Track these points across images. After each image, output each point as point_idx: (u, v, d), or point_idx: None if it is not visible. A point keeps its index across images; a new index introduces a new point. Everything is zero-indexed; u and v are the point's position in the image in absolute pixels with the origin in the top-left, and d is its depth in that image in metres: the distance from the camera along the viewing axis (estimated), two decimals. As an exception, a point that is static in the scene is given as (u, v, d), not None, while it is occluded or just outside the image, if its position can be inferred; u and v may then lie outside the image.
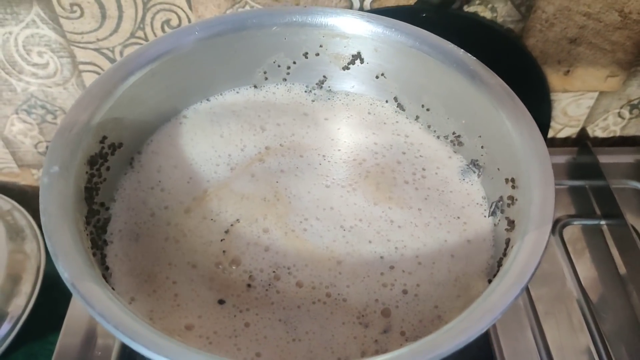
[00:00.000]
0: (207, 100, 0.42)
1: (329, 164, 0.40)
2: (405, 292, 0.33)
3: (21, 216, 0.63)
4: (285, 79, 0.43)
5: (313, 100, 0.43)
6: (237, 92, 0.43)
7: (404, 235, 0.36)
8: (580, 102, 0.61)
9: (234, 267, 0.35)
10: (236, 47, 0.39)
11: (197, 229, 0.36)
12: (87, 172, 0.32)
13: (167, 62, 0.37)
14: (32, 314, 0.54)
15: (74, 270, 0.24)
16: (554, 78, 0.58)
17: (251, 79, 0.42)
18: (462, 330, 0.23)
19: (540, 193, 0.28)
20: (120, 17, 0.50)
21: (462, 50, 0.36)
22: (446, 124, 0.39)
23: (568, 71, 0.57)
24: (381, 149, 0.40)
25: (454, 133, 0.39)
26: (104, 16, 0.49)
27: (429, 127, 0.41)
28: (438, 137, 0.41)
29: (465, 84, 0.36)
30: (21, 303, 0.55)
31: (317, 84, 0.43)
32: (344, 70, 0.42)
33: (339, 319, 0.32)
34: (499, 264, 0.30)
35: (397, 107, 0.42)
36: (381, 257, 0.35)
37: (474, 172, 0.38)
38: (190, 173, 0.38)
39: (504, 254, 0.30)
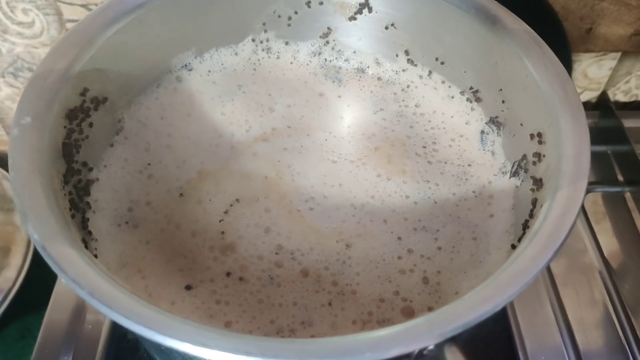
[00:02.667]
0: (201, 58, 0.38)
1: (336, 139, 0.37)
2: (426, 281, 0.30)
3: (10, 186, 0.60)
4: (287, 42, 0.39)
5: (322, 67, 0.40)
6: (236, 54, 0.39)
7: (422, 213, 0.33)
8: (602, 63, 0.57)
9: (228, 255, 0.32)
10: (232, -6, 0.36)
11: (192, 213, 0.33)
12: (65, 127, 0.28)
13: (156, 8, 0.33)
14: (24, 288, 0.52)
15: (46, 230, 0.21)
16: (575, 36, 0.54)
17: (249, 31, 0.39)
18: (486, 298, 0.20)
19: (573, 146, 0.25)
20: (108, -31, 0.46)
21: (482, -7, 0.32)
22: (462, 78, 0.36)
23: (590, 29, 0.53)
24: (390, 124, 0.38)
25: (471, 88, 0.36)
26: (91, -32, 0.46)
27: (442, 82, 0.38)
28: (452, 97, 0.38)
29: (485, 31, 0.32)
30: (11, 275, 0.52)
31: (320, 36, 0.40)
32: (350, 20, 0.38)
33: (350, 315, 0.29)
34: (525, 227, 0.27)
35: (407, 61, 0.39)
36: (399, 239, 0.32)
37: (494, 131, 0.34)
38: (184, 155, 0.35)
39: (531, 216, 0.26)
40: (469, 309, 0.20)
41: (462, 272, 0.31)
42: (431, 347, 0.21)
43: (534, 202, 0.27)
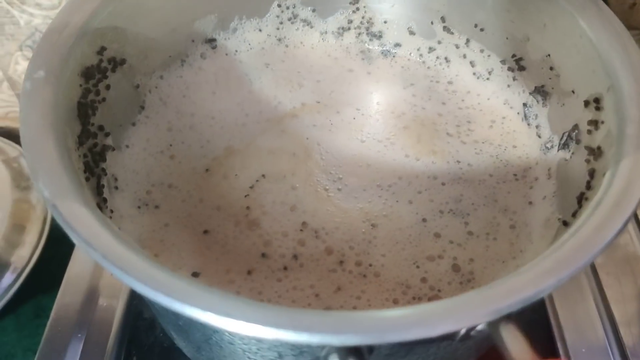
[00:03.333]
0: (225, 32, 0.36)
1: (364, 117, 0.36)
2: (456, 268, 0.28)
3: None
4: (314, 9, 0.37)
5: (352, 42, 0.39)
6: (260, 30, 0.37)
7: (449, 195, 0.31)
8: (645, 42, 0.54)
9: (252, 230, 0.30)
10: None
11: (217, 188, 0.32)
12: (80, 85, 0.26)
13: (178, -34, 0.31)
14: (38, 267, 0.51)
15: (57, 187, 0.20)
16: (617, 12, 0.50)
17: (275, -4, 0.36)
18: (548, 270, 0.18)
19: (638, 108, 0.22)
20: None
21: (529, -50, 0.30)
22: (504, 46, 0.33)
23: (634, 4, 0.50)
24: (420, 101, 0.36)
25: (513, 56, 0.33)
26: None
27: (481, 51, 0.35)
28: (490, 71, 0.35)
29: (533, -9, 0.30)
30: (25, 254, 0.51)
31: (351, 2, 0.37)
32: (384, -16, 0.36)
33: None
34: (580, 201, 0.24)
35: (443, 29, 0.36)
36: (424, 220, 0.30)
37: (539, 102, 0.32)
38: (209, 135, 0.34)
39: (588, 187, 0.24)
40: (528, 282, 0.17)
41: (499, 262, 0.29)
42: (481, 326, 0.18)
43: (592, 173, 0.24)
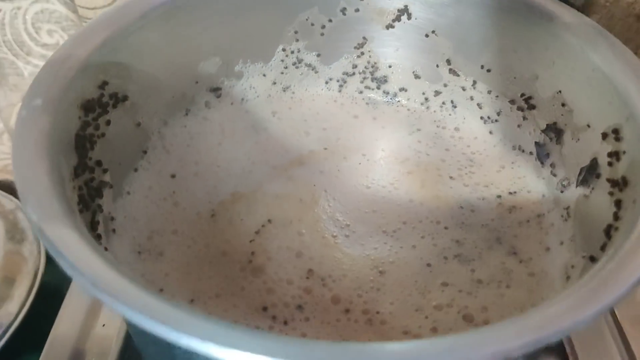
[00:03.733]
0: (229, 78, 0.36)
1: (369, 163, 0.36)
2: (469, 318, 0.27)
3: (24, 217, 0.57)
4: (319, 54, 0.37)
5: (357, 89, 0.39)
6: (264, 75, 0.38)
7: (451, 240, 0.30)
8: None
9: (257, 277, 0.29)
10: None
11: (222, 233, 0.31)
12: (80, 118, 0.26)
13: (186, 8, 0.31)
14: (26, 323, 0.48)
15: (46, 212, 0.18)
16: (621, 23, 0.51)
17: (280, 39, 0.36)
18: (567, 309, 0.16)
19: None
20: (136, -11, 0.45)
21: (534, -10, 0.30)
22: (511, 85, 0.33)
23: (636, 53, 0.51)
24: (424, 147, 0.36)
25: (522, 95, 0.33)
26: (118, -13, 0.45)
27: (489, 93, 0.35)
28: (498, 112, 0.35)
29: (540, 29, 0.29)
30: (13, 310, 0.48)
31: (355, 47, 0.37)
32: (388, 29, 0.36)
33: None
34: (609, 232, 0.22)
35: (449, 72, 0.36)
36: (428, 265, 0.29)
37: (552, 139, 0.31)
38: (214, 181, 0.34)
39: (616, 219, 0.22)
40: (542, 321, 0.15)
41: (517, 310, 0.27)
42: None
43: (618, 204, 0.23)
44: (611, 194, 0.24)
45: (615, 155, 0.25)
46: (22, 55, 0.50)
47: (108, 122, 0.28)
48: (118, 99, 0.29)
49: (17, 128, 0.21)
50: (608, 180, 0.25)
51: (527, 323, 0.16)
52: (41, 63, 0.51)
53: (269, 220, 0.32)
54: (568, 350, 0.35)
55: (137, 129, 0.32)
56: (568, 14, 0.29)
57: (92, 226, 0.25)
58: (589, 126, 0.27)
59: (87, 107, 0.26)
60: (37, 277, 0.51)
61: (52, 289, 0.53)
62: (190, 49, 0.33)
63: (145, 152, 0.33)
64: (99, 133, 0.28)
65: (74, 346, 0.36)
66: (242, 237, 0.31)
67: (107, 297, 0.16)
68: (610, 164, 0.25)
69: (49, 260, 0.53)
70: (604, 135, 0.26)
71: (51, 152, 0.21)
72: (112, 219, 0.29)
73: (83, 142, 0.25)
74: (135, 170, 0.32)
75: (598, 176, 0.26)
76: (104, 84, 0.28)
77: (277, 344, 0.14)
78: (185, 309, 0.15)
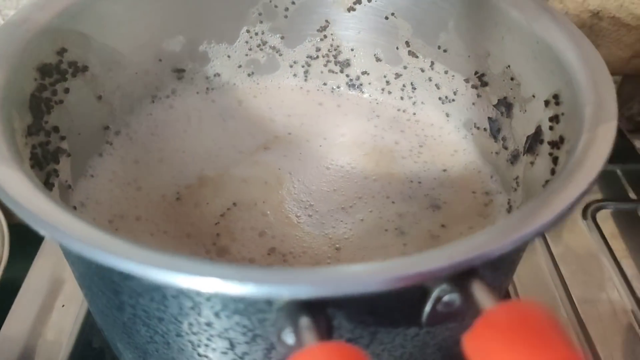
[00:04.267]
0: (194, 59, 0.37)
1: (329, 146, 0.37)
2: None
3: (-11, 210, 0.57)
4: (283, 37, 0.38)
5: (321, 79, 0.40)
6: (229, 57, 0.38)
7: (398, 212, 0.32)
8: (604, 87, 0.56)
9: (221, 257, 0.30)
10: (228, -21, 0.35)
11: (188, 216, 0.32)
12: (35, 79, 0.26)
13: (147, -18, 0.32)
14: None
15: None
16: None
17: (244, 20, 0.37)
18: (507, 229, 0.17)
19: (595, 92, 0.23)
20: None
21: (485, -30, 0.31)
22: (466, 63, 0.34)
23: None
24: (381, 131, 0.38)
25: (476, 73, 0.34)
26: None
27: (446, 73, 0.36)
28: (455, 92, 0.36)
29: (489, 6, 0.31)
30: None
31: (318, 30, 0.38)
32: (349, 12, 0.37)
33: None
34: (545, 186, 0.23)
35: (409, 54, 0.37)
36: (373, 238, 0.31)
37: (503, 114, 0.32)
38: (180, 166, 0.34)
39: (552, 173, 0.23)
40: (488, 239, 0.16)
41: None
42: (448, 296, 0.17)
43: (555, 161, 0.24)
44: (550, 154, 0.25)
45: (555, 119, 0.26)
46: None
47: (66, 90, 0.29)
48: (78, 68, 0.29)
49: (-30, 80, 0.22)
50: (549, 143, 0.26)
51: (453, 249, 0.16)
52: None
53: (234, 203, 0.33)
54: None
55: (99, 102, 0.32)
56: (515, -9, 0.30)
57: (46, 186, 0.25)
58: (534, 96, 0.29)
59: (44, 70, 0.27)
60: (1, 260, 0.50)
61: (18, 285, 0.52)
62: (154, 25, 0.34)
63: (107, 128, 0.34)
64: (57, 99, 0.28)
65: (23, 346, 0.35)
66: (208, 220, 0.32)
67: (51, 229, 0.16)
68: (551, 127, 0.26)
69: (17, 256, 0.52)
70: (547, 103, 0.27)
71: (4, 104, 0.22)
72: (69, 187, 0.29)
73: (38, 104, 0.26)
74: (100, 155, 0.33)
75: (541, 142, 0.27)
76: (62, 51, 0.28)
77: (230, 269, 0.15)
78: (121, 238, 0.16)
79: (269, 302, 0.17)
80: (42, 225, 0.16)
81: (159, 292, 0.18)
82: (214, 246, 0.31)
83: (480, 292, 0.15)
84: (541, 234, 0.15)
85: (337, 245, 0.31)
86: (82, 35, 0.29)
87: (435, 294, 0.17)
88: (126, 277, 0.18)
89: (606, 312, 0.39)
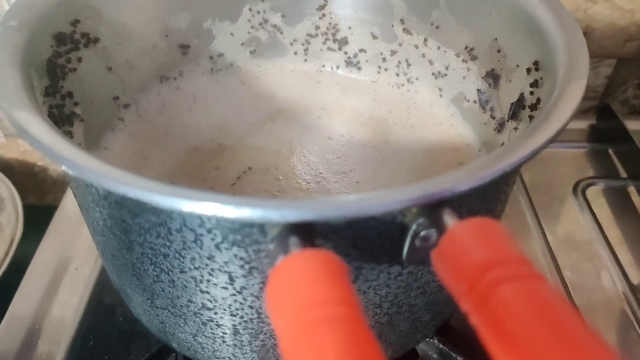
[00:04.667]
0: (200, 38, 0.39)
1: (328, 118, 0.40)
2: None
3: (4, 187, 0.59)
4: (284, 15, 0.40)
5: (320, 58, 0.42)
6: (232, 35, 0.40)
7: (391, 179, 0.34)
8: (598, 70, 0.57)
9: None
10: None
11: (204, 181, 0.34)
12: (52, 46, 0.28)
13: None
14: (2, 290, 0.49)
15: (16, 102, 0.20)
16: None
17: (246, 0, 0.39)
18: (480, 167, 0.19)
19: (571, 54, 0.24)
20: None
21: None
22: (458, 39, 0.36)
23: (585, 34, 0.54)
24: (377, 104, 0.40)
25: (466, 47, 0.36)
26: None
27: (438, 49, 0.38)
28: (447, 67, 0.38)
29: (478, -18, 0.32)
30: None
31: (317, 9, 0.40)
32: (347, -10, 0.39)
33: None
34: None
35: (403, 31, 0.39)
36: None
37: (491, 85, 0.34)
38: (194, 141, 0.37)
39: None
40: (463, 175, 0.18)
41: None
42: (425, 231, 0.19)
43: (531, 118, 0.26)
44: (530, 117, 0.27)
45: (535, 84, 0.28)
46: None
47: (80, 59, 0.31)
48: (90, 40, 0.31)
49: (-7, 42, 0.24)
50: (529, 107, 0.28)
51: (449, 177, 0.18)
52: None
53: (250, 168, 0.35)
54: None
55: (109, 73, 0.34)
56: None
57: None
58: (518, 66, 0.30)
59: (59, 38, 0.29)
60: (12, 245, 0.53)
61: (28, 261, 0.54)
62: (161, 1, 0.36)
63: (116, 98, 0.36)
64: (71, 67, 0.30)
65: (28, 327, 0.37)
66: (224, 182, 0.34)
67: (71, 163, 0.18)
68: (531, 92, 0.28)
69: (30, 233, 0.54)
70: (528, 70, 0.29)
71: (23, 64, 0.24)
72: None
73: (54, 69, 0.28)
74: (113, 130, 0.35)
75: (524, 107, 0.29)
76: (76, 22, 0.30)
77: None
78: (131, 172, 0.18)
79: (263, 232, 0.19)
80: (64, 162, 0.18)
81: (164, 227, 0.20)
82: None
83: (448, 218, 0.17)
84: (505, 175, 0.17)
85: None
86: (94, 8, 0.31)
87: (412, 228, 0.19)
88: (135, 214, 0.20)
89: (595, 286, 0.41)
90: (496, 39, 0.33)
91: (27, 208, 0.56)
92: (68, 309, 0.37)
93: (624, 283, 0.40)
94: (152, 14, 0.36)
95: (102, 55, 0.33)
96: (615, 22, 0.54)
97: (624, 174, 0.49)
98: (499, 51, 0.33)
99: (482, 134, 0.35)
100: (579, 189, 0.48)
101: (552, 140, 0.20)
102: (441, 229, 0.17)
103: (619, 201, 0.47)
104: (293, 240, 0.17)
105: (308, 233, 0.18)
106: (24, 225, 0.55)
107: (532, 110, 0.27)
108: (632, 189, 0.48)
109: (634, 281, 0.41)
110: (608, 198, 0.48)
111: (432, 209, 0.18)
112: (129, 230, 0.21)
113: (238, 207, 0.16)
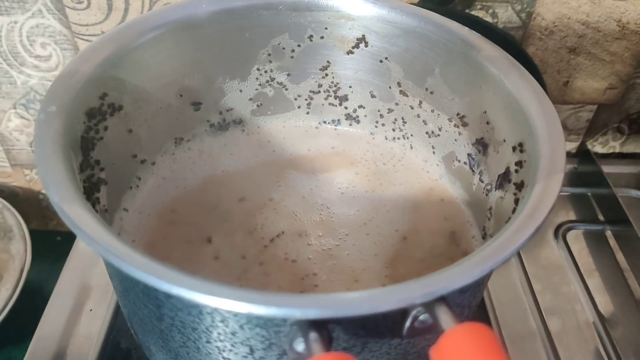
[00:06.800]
0: (209, 95, 0.42)
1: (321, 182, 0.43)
2: None
3: (11, 215, 0.61)
4: (289, 74, 0.43)
5: (320, 117, 0.45)
6: (241, 91, 0.43)
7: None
8: (580, 114, 0.61)
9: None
10: (242, 25, 0.40)
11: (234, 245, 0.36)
12: (84, 122, 0.31)
13: (172, 31, 0.37)
14: (12, 318, 0.52)
15: (64, 195, 0.23)
16: (553, 88, 0.58)
17: (255, 60, 0.42)
18: (473, 265, 0.22)
19: (549, 147, 0.28)
20: (126, 10, 0.50)
21: (466, 28, 0.36)
22: (450, 105, 0.39)
23: (567, 82, 0.58)
24: (375, 156, 0.43)
25: (458, 114, 0.39)
26: (110, 8, 0.50)
27: (432, 111, 0.41)
28: (440, 128, 0.41)
29: (469, 59, 0.36)
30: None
31: (320, 69, 0.43)
32: (348, 54, 0.42)
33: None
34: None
35: (400, 93, 0.42)
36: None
37: (480, 152, 0.37)
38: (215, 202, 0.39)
39: (513, 212, 0.28)
40: (461, 272, 0.21)
41: None
42: (423, 315, 0.22)
43: (516, 202, 0.29)
44: (514, 194, 0.30)
45: (519, 164, 0.31)
46: (16, 65, 0.54)
47: (106, 128, 0.33)
48: (115, 108, 0.34)
49: (37, 129, 0.26)
50: (514, 184, 0.31)
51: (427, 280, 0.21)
52: (34, 73, 0.55)
53: (283, 232, 0.38)
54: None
55: (129, 134, 0.37)
56: (490, 49, 0.35)
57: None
58: (504, 141, 0.34)
59: (90, 114, 0.31)
60: (22, 274, 0.55)
61: (37, 285, 0.56)
62: (178, 66, 0.39)
63: (135, 156, 0.38)
64: (99, 137, 0.33)
65: (57, 345, 0.39)
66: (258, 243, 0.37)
67: (117, 260, 0.21)
68: (516, 171, 0.31)
69: (34, 258, 0.57)
70: (514, 149, 0.32)
71: (65, 149, 0.26)
72: (106, 210, 0.34)
73: (86, 143, 0.30)
74: (130, 188, 0.38)
75: (509, 181, 0.32)
76: (104, 95, 0.33)
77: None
78: (177, 269, 0.21)
79: (284, 319, 0.22)
80: (113, 259, 0.21)
81: (197, 308, 0.23)
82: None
83: (444, 315, 0.20)
84: (490, 274, 0.20)
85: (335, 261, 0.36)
86: (119, 80, 0.34)
87: (413, 313, 0.22)
88: (170, 296, 0.23)
89: (571, 324, 0.44)
90: (485, 111, 0.36)
91: (30, 233, 0.59)
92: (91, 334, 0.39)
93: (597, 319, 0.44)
94: (170, 78, 0.39)
95: (124, 120, 0.36)
96: (597, 71, 0.57)
97: (602, 218, 0.53)
98: (487, 123, 0.36)
99: (471, 194, 0.39)
100: (560, 232, 0.51)
101: (530, 239, 0.23)
102: (439, 327, 0.20)
103: (597, 244, 0.51)
104: (311, 330, 0.20)
105: (323, 321, 0.21)
106: (32, 251, 0.57)
107: (517, 189, 0.30)
108: (609, 233, 0.51)
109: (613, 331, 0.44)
110: (588, 241, 0.51)
111: (429, 301, 0.21)
112: (162, 306, 0.24)
113: (267, 306, 0.19)
